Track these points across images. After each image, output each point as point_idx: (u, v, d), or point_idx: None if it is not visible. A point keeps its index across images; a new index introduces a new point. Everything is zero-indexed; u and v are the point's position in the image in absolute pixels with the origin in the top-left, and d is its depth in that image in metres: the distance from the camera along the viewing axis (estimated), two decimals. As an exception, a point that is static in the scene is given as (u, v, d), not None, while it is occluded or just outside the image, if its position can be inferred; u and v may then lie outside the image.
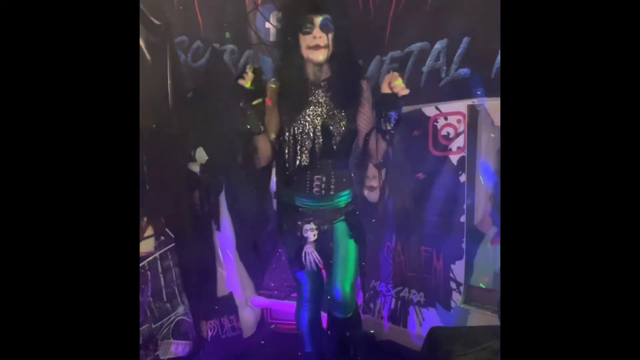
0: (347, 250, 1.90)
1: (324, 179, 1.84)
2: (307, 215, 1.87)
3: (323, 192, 1.85)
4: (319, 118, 1.80)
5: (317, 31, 1.72)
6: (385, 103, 1.69)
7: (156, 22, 2.34)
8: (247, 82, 1.65)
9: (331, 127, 1.80)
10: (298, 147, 1.80)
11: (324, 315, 2.14)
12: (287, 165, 1.83)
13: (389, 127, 1.69)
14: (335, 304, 1.97)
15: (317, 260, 1.87)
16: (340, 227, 1.91)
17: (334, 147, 1.81)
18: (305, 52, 1.75)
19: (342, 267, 1.89)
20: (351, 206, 1.94)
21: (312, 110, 1.80)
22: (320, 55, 1.74)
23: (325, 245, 1.90)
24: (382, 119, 1.69)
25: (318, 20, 1.72)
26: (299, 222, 1.87)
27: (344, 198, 1.90)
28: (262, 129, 1.74)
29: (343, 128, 1.81)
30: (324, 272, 2.00)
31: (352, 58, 1.85)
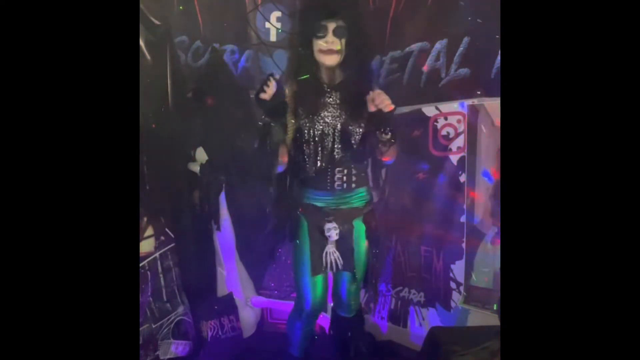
0: (359, 250, 1.91)
1: (345, 171, 1.86)
2: (328, 215, 1.86)
3: (345, 185, 1.86)
4: (337, 119, 1.83)
5: (330, 36, 1.75)
6: (376, 120, 1.71)
7: (156, 22, 2.34)
8: (268, 95, 1.65)
9: (350, 127, 1.83)
10: (319, 148, 1.83)
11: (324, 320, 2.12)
12: (307, 166, 1.85)
13: (386, 139, 1.72)
14: (340, 302, 1.98)
15: (338, 260, 1.84)
16: (358, 227, 1.91)
17: (354, 145, 1.83)
18: (318, 56, 1.78)
19: (355, 266, 1.89)
20: (369, 206, 1.95)
21: (330, 112, 1.83)
22: (332, 60, 1.78)
23: (346, 246, 1.87)
24: (377, 132, 1.72)
25: (332, 26, 1.74)
26: (321, 222, 1.85)
27: (362, 195, 1.91)
28: (285, 141, 1.78)
29: (362, 128, 1.83)
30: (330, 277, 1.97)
31: (365, 63, 1.88)
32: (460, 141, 2.32)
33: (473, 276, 2.36)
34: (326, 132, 1.83)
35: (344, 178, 1.86)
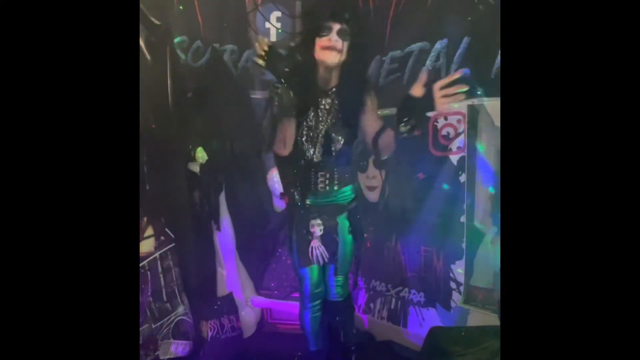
0: (344, 244, 1.98)
1: (327, 174, 1.91)
2: (313, 212, 1.92)
3: (327, 187, 1.92)
4: (323, 124, 1.87)
5: (333, 35, 1.75)
6: (411, 107, 1.65)
7: (156, 22, 2.34)
8: (262, 50, 1.73)
9: (333, 134, 1.86)
10: (305, 148, 1.88)
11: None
12: (292, 166, 1.90)
13: (405, 131, 1.65)
14: (329, 290, 2.07)
15: (323, 254, 1.92)
16: (342, 223, 1.96)
17: (334, 152, 1.87)
18: (318, 54, 1.77)
19: (340, 258, 1.97)
20: (354, 203, 2.00)
21: (317, 117, 1.86)
22: (333, 58, 1.77)
23: (331, 241, 1.95)
24: (402, 123, 1.64)
25: (336, 26, 1.75)
26: (306, 219, 1.92)
27: (347, 194, 1.97)
28: (294, 113, 1.76)
29: (344, 135, 1.87)
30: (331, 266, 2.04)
31: (362, 69, 1.91)
32: (460, 141, 2.32)
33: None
34: (311, 135, 1.86)
35: (327, 182, 1.92)
